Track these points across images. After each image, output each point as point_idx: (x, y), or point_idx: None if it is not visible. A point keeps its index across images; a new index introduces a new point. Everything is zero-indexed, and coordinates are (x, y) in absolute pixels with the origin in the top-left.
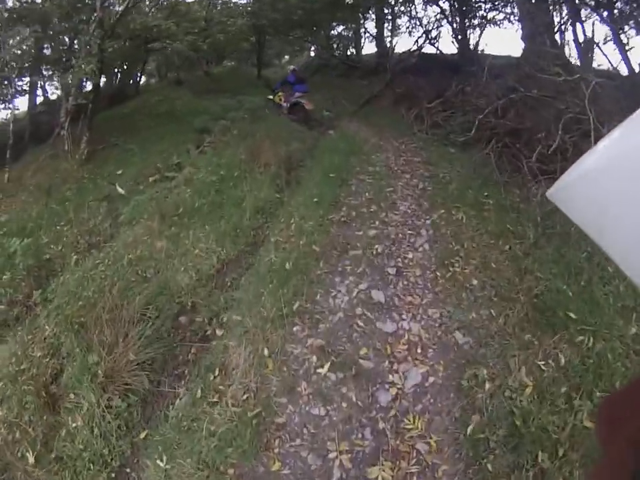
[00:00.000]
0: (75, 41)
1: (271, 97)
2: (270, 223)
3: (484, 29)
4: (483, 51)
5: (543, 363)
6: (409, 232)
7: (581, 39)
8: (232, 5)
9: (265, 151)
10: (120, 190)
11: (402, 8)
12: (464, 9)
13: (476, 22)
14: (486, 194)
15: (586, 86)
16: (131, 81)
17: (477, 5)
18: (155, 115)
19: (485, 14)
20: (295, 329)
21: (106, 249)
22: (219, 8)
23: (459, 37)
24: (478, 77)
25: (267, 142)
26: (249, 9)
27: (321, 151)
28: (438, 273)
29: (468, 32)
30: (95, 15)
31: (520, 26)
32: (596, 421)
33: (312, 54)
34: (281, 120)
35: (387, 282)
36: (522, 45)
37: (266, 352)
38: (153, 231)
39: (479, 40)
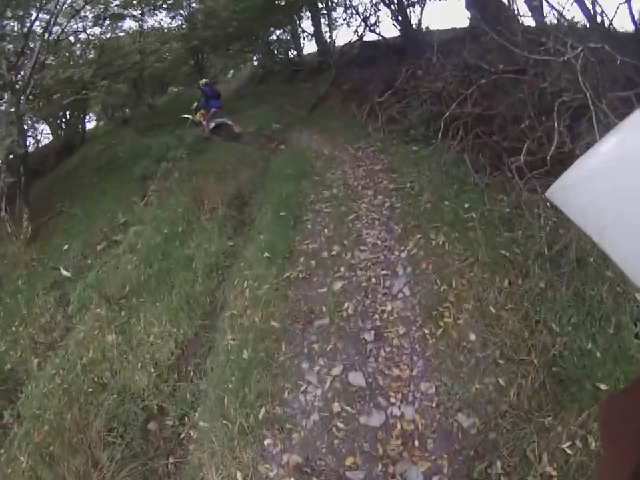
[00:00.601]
0: None
1: (188, 116)
2: (225, 281)
3: (424, 5)
4: (427, 28)
5: (568, 445)
6: (383, 273)
7: None
8: (164, 30)
9: (210, 190)
10: (65, 273)
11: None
12: None
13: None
14: (466, 205)
15: (575, 57)
16: (79, 129)
17: None
18: (97, 168)
19: None
20: (266, 442)
21: (61, 350)
22: (149, 38)
23: (399, 17)
24: (427, 57)
25: (212, 178)
26: (182, 31)
27: (271, 177)
28: (426, 330)
29: (408, 11)
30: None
31: None
32: (599, 419)
33: (256, 63)
34: (225, 147)
35: (365, 354)
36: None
37: (239, 476)
38: (102, 321)
39: (420, 17)
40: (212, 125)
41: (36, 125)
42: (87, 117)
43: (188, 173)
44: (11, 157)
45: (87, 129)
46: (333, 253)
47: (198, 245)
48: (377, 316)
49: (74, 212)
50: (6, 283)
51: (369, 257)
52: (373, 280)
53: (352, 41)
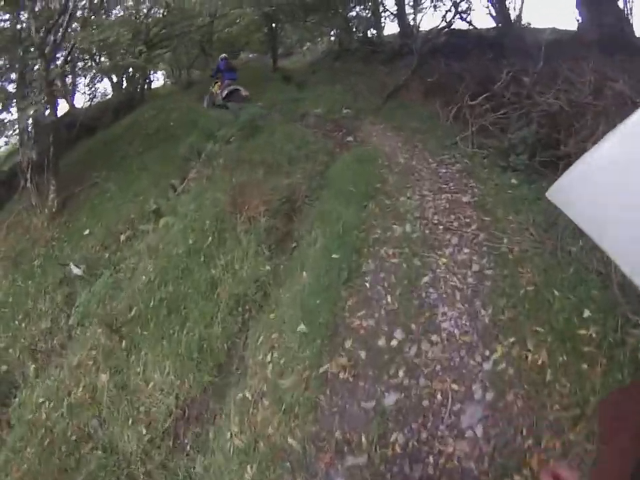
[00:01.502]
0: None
1: (212, 89)
2: (251, 327)
3: None
4: (528, 24)
5: None
6: (454, 388)
7: None
8: None
9: (255, 190)
10: (76, 271)
11: None
12: None
13: None
14: (587, 312)
15: None
16: (139, 87)
17: None
18: (145, 136)
19: None
20: None
21: (55, 370)
22: (220, 1)
23: (497, 7)
24: (531, 59)
25: (261, 171)
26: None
27: (331, 186)
28: None
29: (505, 2)
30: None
31: None
32: (598, 418)
33: (333, 39)
34: (285, 129)
35: None
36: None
37: None
38: (98, 350)
39: (521, 9)
40: (224, 92)
41: (95, 81)
42: (152, 76)
43: (235, 160)
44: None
45: (152, 87)
46: (394, 341)
47: (227, 264)
48: (431, 459)
49: (108, 186)
50: (23, 261)
51: (440, 357)
52: (439, 396)
53: (438, 27)
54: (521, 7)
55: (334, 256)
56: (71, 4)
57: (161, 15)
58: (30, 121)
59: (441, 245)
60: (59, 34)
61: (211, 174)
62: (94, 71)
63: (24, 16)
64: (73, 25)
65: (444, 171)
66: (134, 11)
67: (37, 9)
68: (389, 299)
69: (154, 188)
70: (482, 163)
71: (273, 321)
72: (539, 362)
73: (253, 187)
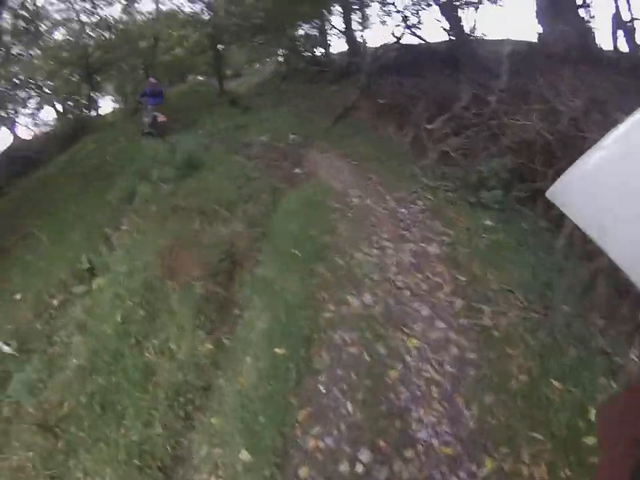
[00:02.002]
0: None
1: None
2: (196, 419)
3: (479, 5)
4: (482, 35)
5: None
6: None
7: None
8: (182, 15)
9: (189, 245)
10: (6, 349)
11: None
12: None
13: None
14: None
15: None
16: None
17: None
18: (82, 175)
19: None
20: None
21: None
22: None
23: (449, 18)
24: (492, 74)
25: (197, 221)
26: (201, 18)
27: (274, 241)
28: None
29: (459, 11)
30: None
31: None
32: (597, 422)
33: (280, 59)
34: (227, 163)
35: None
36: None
37: None
38: (35, 452)
39: (475, 21)
40: (147, 119)
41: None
42: (99, 102)
43: (168, 207)
44: None
45: (99, 113)
46: (359, 466)
47: (162, 344)
48: None
49: (41, 238)
50: None
51: (417, 477)
52: None
53: (388, 43)
54: (474, 18)
55: (277, 350)
56: None
57: (102, 39)
58: None
59: (409, 320)
60: None
61: (143, 225)
62: (36, 99)
63: None
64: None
65: (404, 211)
66: (76, 36)
67: None
68: (350, 408)
69: (86, 241)
70: (447, 198)
71: (216, 428)
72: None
73: (187, 243)
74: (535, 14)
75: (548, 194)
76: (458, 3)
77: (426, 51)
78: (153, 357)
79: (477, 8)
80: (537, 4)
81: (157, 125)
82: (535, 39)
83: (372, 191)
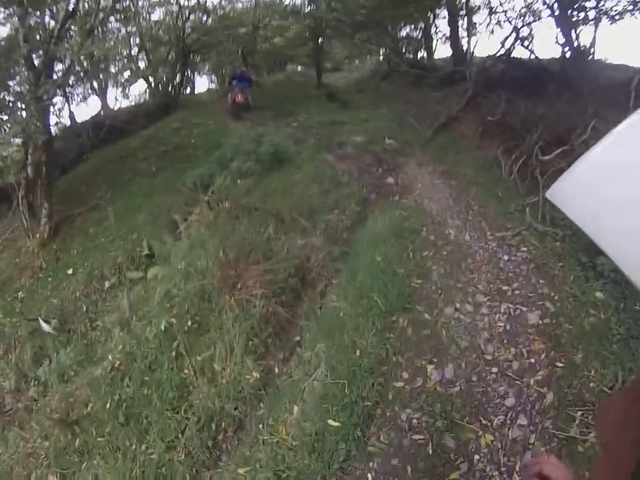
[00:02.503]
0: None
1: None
2: (224, 457)
3: (598, 24)
4: (602, 58)
5: None
6: None
7: None
8: (284, 5)
9: (256, 254)
10: (45, 327)
11: None
12: None
13: (587, 15)
14: None
15: None
16: (175, 92)
17: None
18: (162, 153)
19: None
20: None
21: (13, 443)
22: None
23: (564, 35)
24: (614, 103)
25: (270, 226)
26: (304, 9)
27: (355, 267)
28: None
29: (576, 29)
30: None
31: None
32: (598, 421)
33: (381, 58)
34: (314, 160)
35: None
36: None
37: None
38: (51, 445)
39: (593, 41)
40: (230, 100)
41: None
42: (195, 80)
43: (243, 206)
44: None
45: (194, 91)
46: None
47: (205, 363)
48: None
49: (107, 213)
50: (7, 291)
51: None
52: None
53: (497, 54)
54: (594, 36)
55: (331, 422)
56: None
57: (200, 22)
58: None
59: (490, 409)
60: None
61: (212, 221)
62: (128, 72)
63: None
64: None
65: (506, 258)
66: (174, 15)
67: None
68: None
69: (152, 224)
70: (555, 249)
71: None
72: None
73: (256, 251)
74: None
75: (548, 194)
76: (575, 18)
77: (537, 68)
78: (192, 375)
79: (596, 25)
80: None
81: (236, 104)
82: None
83: (472, 224)
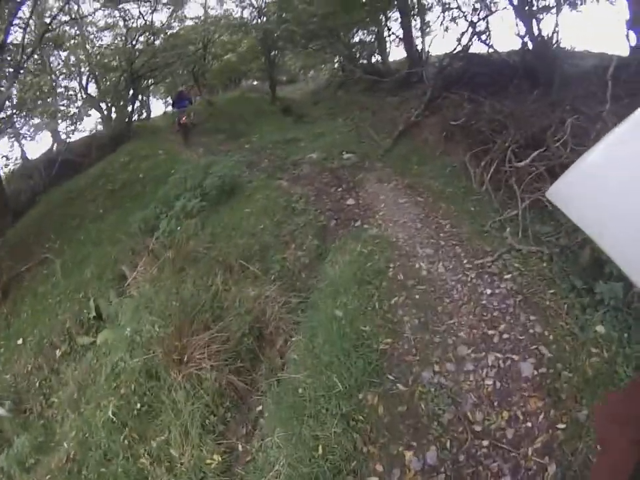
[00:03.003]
0: None
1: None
2: None
3: (560, 11)
4: (558, 44)
5: None
6: None
7: None
8: (232, 19)
9: (206, 312)
10: (1, 412)
11: None
12: None
13: (547, 3)
14: None
15: None
16: (127, 121)
17: None
18: (108, 193)
19: None
20: None
21: None
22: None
23: (525, 25)
24: (587, 94)
25: (219, 275)
26: (254, 22)
27: (316, 319)
28: None
29: (537, 18)
30: None
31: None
32: (596, 420)
33: (336, 66)
34: (268, 189)
35: None
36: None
37: None
38: None
39: (555, 29)
40: (176, 123)
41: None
42: (150, 105)
43: (187, 254)
44: None
45: (150, 116)
46: None
47: (161, 449)
48: None
49: (54, 268)
50: None
51: None
52: None
53: (454, 52)
54: (556, 23)
55: None
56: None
57: (148, 44)
58: None
59: None
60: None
61: (156, 275)
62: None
63: None
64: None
65: (488, 292)
66: (124, 38)
67: None
68: None
69: (98, 280)
70: (543, 273)
71: None
72: None
73: (203, 310)
74: (625, 23)
75: (548, 194)
76: (535, 7)
77: (499, 62)
78: (149, 464)
79: (558, 12)
80: (630, 10)
81: (182, 126)
82: (624, 52)
83: (445, 251)
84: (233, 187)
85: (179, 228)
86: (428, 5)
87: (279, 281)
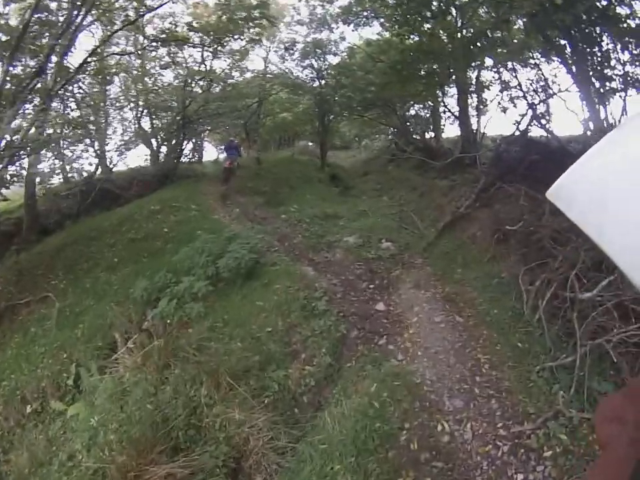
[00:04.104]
0: None
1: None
2: None
3: (627, 94)
4: None
5: None
6: None
7: None
8: (292, 78)
9: (176, 433)
10: None
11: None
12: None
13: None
14: None
15: None
16: (175, 162)
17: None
18: (129, 241)
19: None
20: None
21: None
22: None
23: (589, 109)
24: None
25: (202, 390)
26: (313, 85)
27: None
28: None
29: (604, 101)
30: None
31: None
32: (596, 421)
33: (390, 138)
34: (287, 277)
35: None
36: None
37: None
38: None
39: (623, 112)
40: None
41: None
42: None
43: (176, 349)
44: None
45: (202, 159)
46: None
47: None
48: None
49: (51, 312)
50: None
51: None
52: None
53: (511, 136)
54: (624, 107)
55: None
56: None
57: (206, 89)
58: None
59: None
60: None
61: (140, 365)
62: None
63: None
64: None
65: (520, 478)
66: (183, 80)
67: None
68: None
69: (86, 343)
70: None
71: None
72: None
73: (176, 428)
74: None
75: (548, 194)
76: (604, 90)
77: (559, 151)
78: None
79: (625, 94)
80: None
81: (226, 170)
82: None
83: (479, 405)
84: (250, 271)
85: (179, 313)
86: (486, 82)
87: (273, 407)
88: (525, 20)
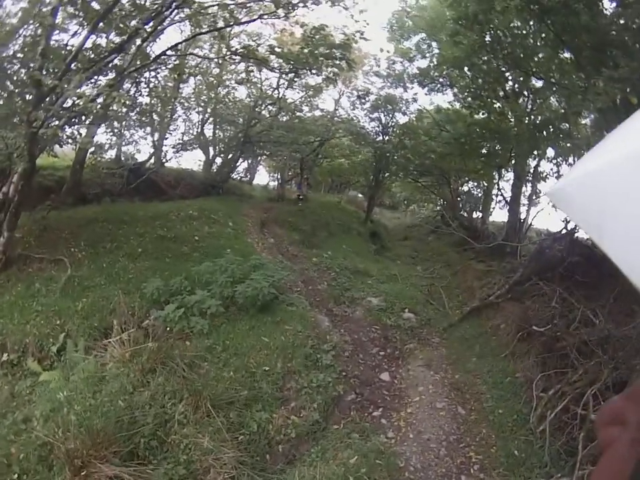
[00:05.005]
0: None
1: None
2: None
3: None
4: None
5: None
6: None
7: None
8: (359, 129)
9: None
10: None
11: (555, 162)
12: None
13: None
14: None
15: None
16: (227, 174)
17: None
18: (157, 237)
19: None
20: None
21: None
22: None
23: None
24: None
25: (181, 405)
26: (377, 139)
27: None
28: None
29: None
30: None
31: None
32: (598, 423)
33: (438, 208)
34: (301, 321)
35: None
36: None
37: None
38: None
39: None
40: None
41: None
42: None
43: (167, 358)
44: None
45: (252, 180)
46: None
47: None
48: None
49: (61, 275)
50: None
51: None
52: None
53: (558, 234)
54: None
55: None
56: None
57: (268, 115)
58: None
59: None
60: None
61: (127, 360)
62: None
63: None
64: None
65: None
66: (256, 100)
67: None
68: None
69: (84, 319)
70: None
71: None
72: None
73: (139, 434)
74: None
75: (548, 194)
76: None
77: (600, 259)
78: None
79: None
80: None
81: (298, 196)
82: None
83: None
84: (266, 304)
85: (182, 323)
86: (544, 173)
87: (245, 447)
88: (594, 115)
